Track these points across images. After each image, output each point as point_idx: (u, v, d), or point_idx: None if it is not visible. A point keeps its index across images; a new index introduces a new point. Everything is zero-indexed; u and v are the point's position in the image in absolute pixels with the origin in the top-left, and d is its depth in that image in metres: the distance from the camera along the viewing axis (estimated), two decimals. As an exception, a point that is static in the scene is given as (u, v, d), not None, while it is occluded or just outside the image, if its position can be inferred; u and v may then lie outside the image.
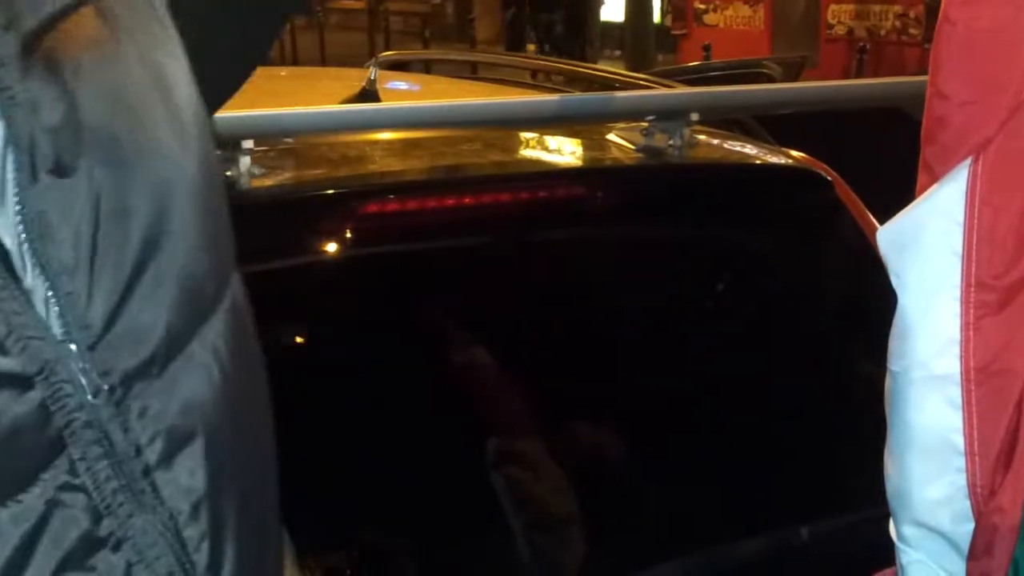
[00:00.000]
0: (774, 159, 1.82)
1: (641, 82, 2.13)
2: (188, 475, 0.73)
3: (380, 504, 1.54)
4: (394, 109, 1.59)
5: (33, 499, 0.67)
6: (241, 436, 0.79)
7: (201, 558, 0.74)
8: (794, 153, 1.87)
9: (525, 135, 1.84)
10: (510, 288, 1.73)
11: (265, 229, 1.58)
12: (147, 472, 0.72)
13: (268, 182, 1.55)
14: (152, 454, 0.72)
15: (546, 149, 1.81)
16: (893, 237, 1.16)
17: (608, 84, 2.19)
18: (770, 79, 3.71)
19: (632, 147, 1.75)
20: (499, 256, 1.68)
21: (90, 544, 0.70)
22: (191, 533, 0.73)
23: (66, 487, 0.69)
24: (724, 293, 1.77)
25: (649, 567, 1.55)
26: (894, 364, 1.17)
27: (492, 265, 1.68)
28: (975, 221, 1.11)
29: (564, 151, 1.81)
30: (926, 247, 1.14)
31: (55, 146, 0.69)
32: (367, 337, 1.62)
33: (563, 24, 18.56)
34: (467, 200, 1.62)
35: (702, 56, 12.57)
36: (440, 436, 1.63)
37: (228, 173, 1.50)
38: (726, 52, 12.30)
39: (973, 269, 1.12)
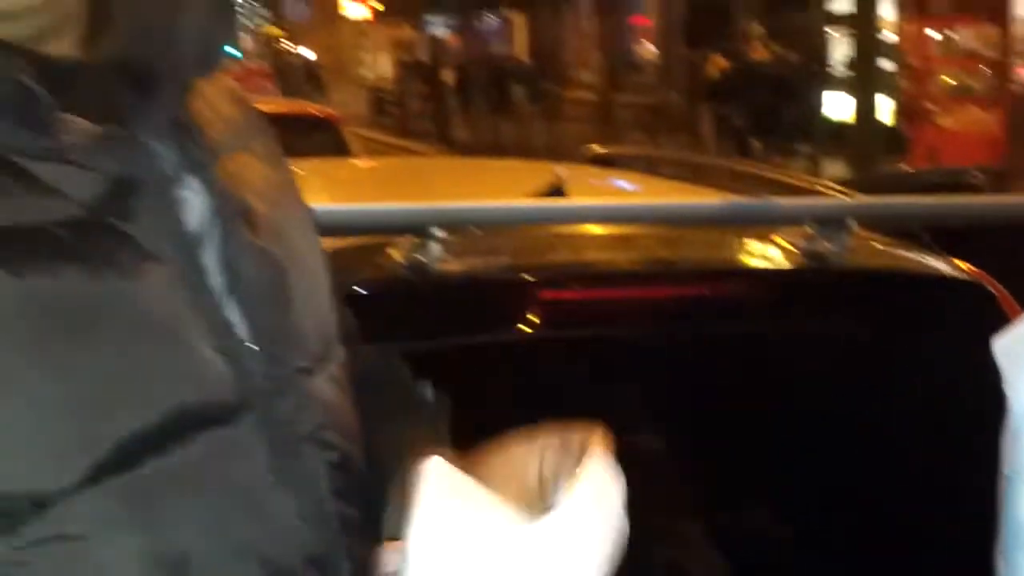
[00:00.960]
0: (937, 269, 1.90)
1: (820, 188, 2.24)
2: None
3: None
4: (567, 207, 1.76)
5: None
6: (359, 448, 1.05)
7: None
8: (961, 264, 1.94)
9: (697, 232, 1.98)
10: (674, 378, 1.86)
11: (451, 309, 1.77)
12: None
13: (455, 267, 1.73)
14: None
15: (714, 246, 1.95)
16: (1008, 345, 1.25)
17: (790, 188, 2.31)
18: (975, 189, 3.72)
19: (795, 250, 1.87)
20: (663, 347, 1.82)
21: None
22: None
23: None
24: (876, 396, 1.86)
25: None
26: (1006, 467, 1.25)
27: (655, 356, 1.81)
28: None
29: (731, 249, 1.95)
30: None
31: (247, 222, 0.96)
32: (535, 414, 1.77)
33: (782, 123, 18.62)
34: (635, 292, 1.77)
35: (930, 159, 12.40)
36: None
37: (419, 257, 1.69)
38: (958, 156, 12.10)
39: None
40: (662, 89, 24.55)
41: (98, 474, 0.84)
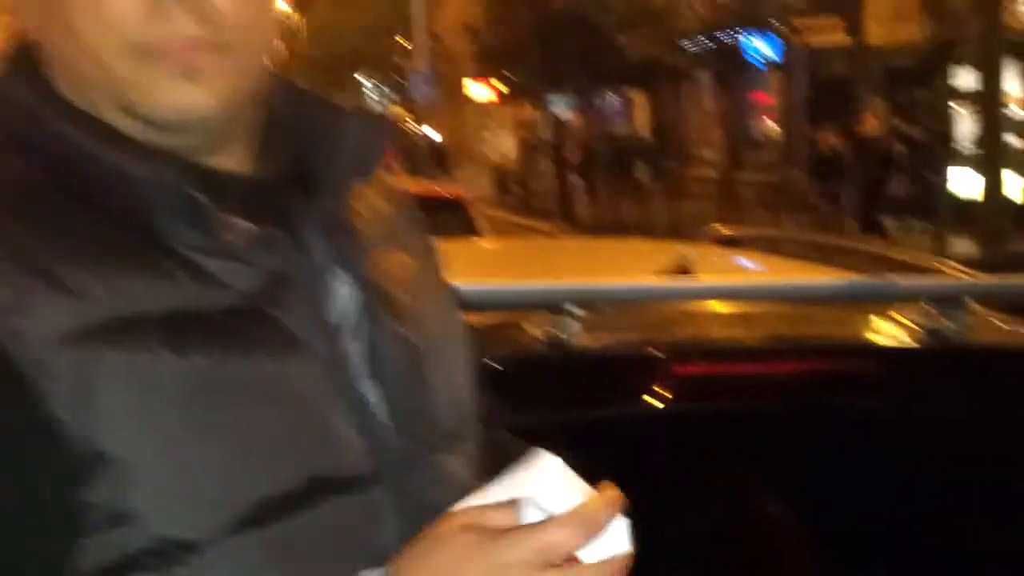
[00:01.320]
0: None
1: (938, 267, 2.32)
2: None
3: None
4: (694, 286, 1.88)
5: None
6: None
7: None
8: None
9: (818, 310, 2.07)
10: (797, 451, 1.95)
11: (590, 382, 1.89)
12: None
13: (589, 342, 1.85)
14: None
15: (835, 323, 2.04)
16: None
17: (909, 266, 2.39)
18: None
19: (915, 327, 1.95)
20: (786, 421, 1.91)
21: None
22: None
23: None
24: (996, 472, 1.92)
25: None
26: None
27: (778, 428, 1.91)
28: None
29: (852, 326, 2.03)
30: None
31: (391, 311, 1.08)
32: (663, 484, 1.88)
33: (901, 200, 18.49)
34: (759, 368, 1.87)
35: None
36: None
37: (556, 332, 1.81)
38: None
39: None
40: (784, 166, 24.49)
41: (239, 527, 0.96)
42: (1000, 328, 2.04)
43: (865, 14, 21.77)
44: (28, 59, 1.08)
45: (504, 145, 49.96)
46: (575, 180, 26.44)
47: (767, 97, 28.22)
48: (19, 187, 1.02)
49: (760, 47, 23.42)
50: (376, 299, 1.08)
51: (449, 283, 1.24)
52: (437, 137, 41.78)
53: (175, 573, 0.96)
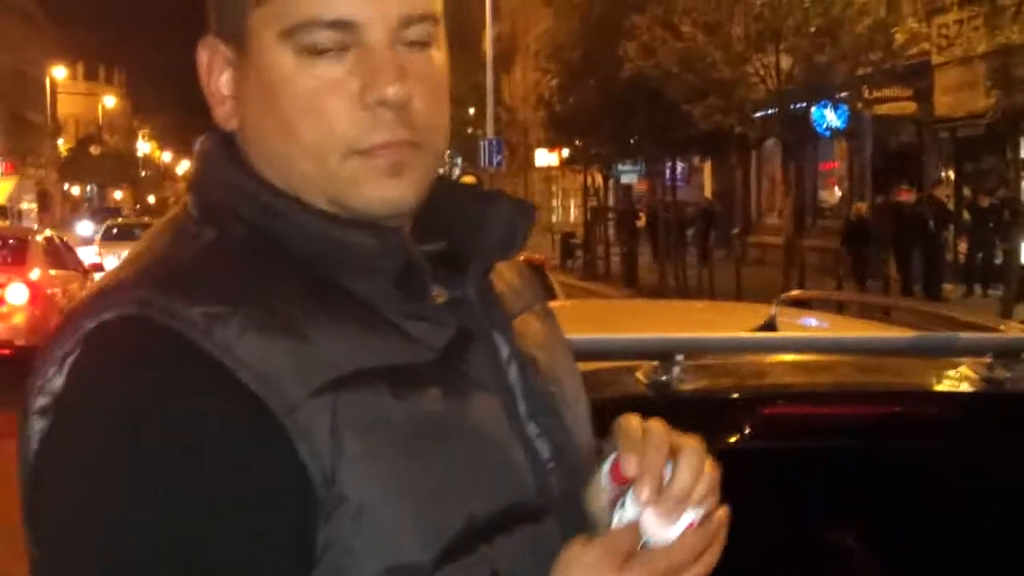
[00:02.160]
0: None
1: (994, 327, 2.59)
2: None
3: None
4: (783, 338, 2.17)
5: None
6: None
7: None
8: None
9: (891, 361, 2.36)
10: (869, 487, 2.23)
11: (690, 422, 2.18)
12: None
13: (692, 386, 2.15)
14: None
15: (904, 374, 2.32)
16: None
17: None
18: None
19: (978, 377, 2.22)
20: (859, 459, 2.19)
21: None
22: None
23: None
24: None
25: None
26: None
27: (853, 466, 2.19)
28: None
29: (920, 375, 2.31)
30: None
31: (536, 370, 1.24)
32: (753, 514, 2.16)
33: (979, 268, 18.62)
34: (834, 410, 2.17)
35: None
36: None
37: (663, 378, 2.11)
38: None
39: None
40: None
41: (448, 556, 1.08)
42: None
43: (933, 84, 21.98)
44: (229, 145, 1.21)
45: (570, 211, 50.36)
46: (639, 246, 26.69)
47: (834, 165, 28.39)
48: (258, 261, 1.14)
49: (828, 116, 23.63)
50: (524, 358, 1.23)
51: (567, 344, 1.37)
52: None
53: None
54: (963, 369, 2.27)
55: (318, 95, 1.14)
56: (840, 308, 8.55)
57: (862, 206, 22.68)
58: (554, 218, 51.70)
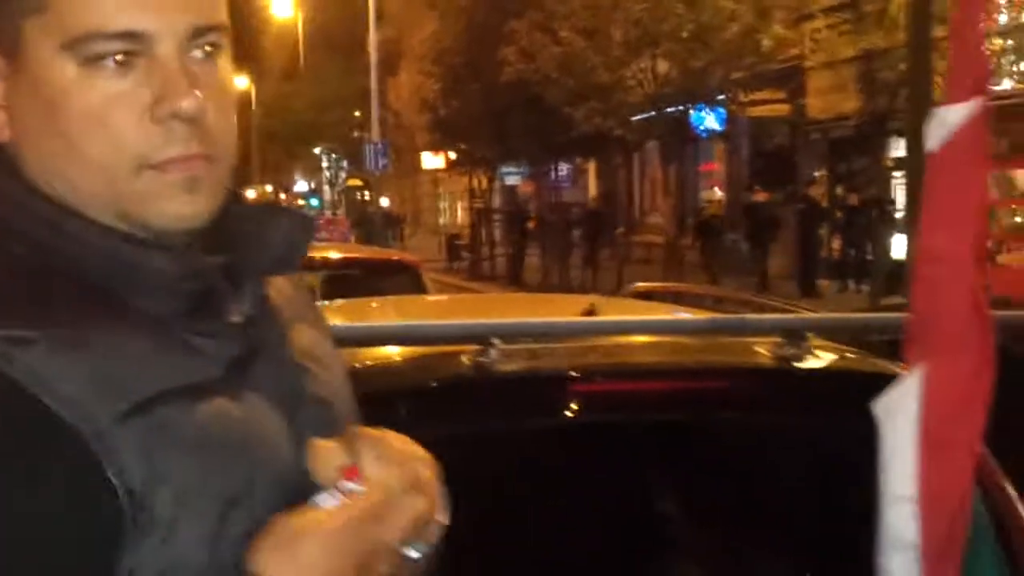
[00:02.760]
0: (878, 367, 2.47)
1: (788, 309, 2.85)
2: None
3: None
4: (592, 322, 2.39)
5: None
6: None
7: None
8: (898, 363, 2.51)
9: (702, 342, 2.60)
10: (669, 456, 2.47)
11: (507, 400, 2.39)
12: None
13: (508, 367, 2.35)
14: None
15: (706, 352, 2.56)
16: (883, 402, 1.83)
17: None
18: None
19: (768, 355, 2.46)
20: (660, 431, 2.42)
21: None
22: None
23: None
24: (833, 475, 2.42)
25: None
26: (881, 488, 1.83)
27: (654, 437, 2.43)
28: (926, 409, 1.78)
29: (718, 354, 2.55)
30: (897, 416, 1.81)
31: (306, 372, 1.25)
32: (565, 481, 2.38)
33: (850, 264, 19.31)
34: (639, 386, 2.40)
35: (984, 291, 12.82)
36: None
37: (480, 359, 2.31)
38: (1010, 289, 12.52)
39: (926, 432, 1.78)
40: (728, 232, 25.10)
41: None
42: (833, 355, 2.55)
43: (806, 87, 22.64)
44: (4, 159, 1.15)
45: (455, 213, 50.56)
46: (523, 247, 26.99)
47: (713, 166, 29.02)
48: (49, 281, 1.10)
49: (705, 118, 24.18)
50: (298, 369, 1.23)
51: (333, 341, 1.36)
52: (388, 204, 41.97)
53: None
54: (759, 348, 2.51)
55: (104, 109, 1.10)
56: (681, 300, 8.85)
57: (712, 204, 23.65)
58: (441, 220, 51.87)
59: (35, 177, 1.14)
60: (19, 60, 1.12)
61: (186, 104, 1.10)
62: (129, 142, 1.10)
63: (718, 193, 28.50)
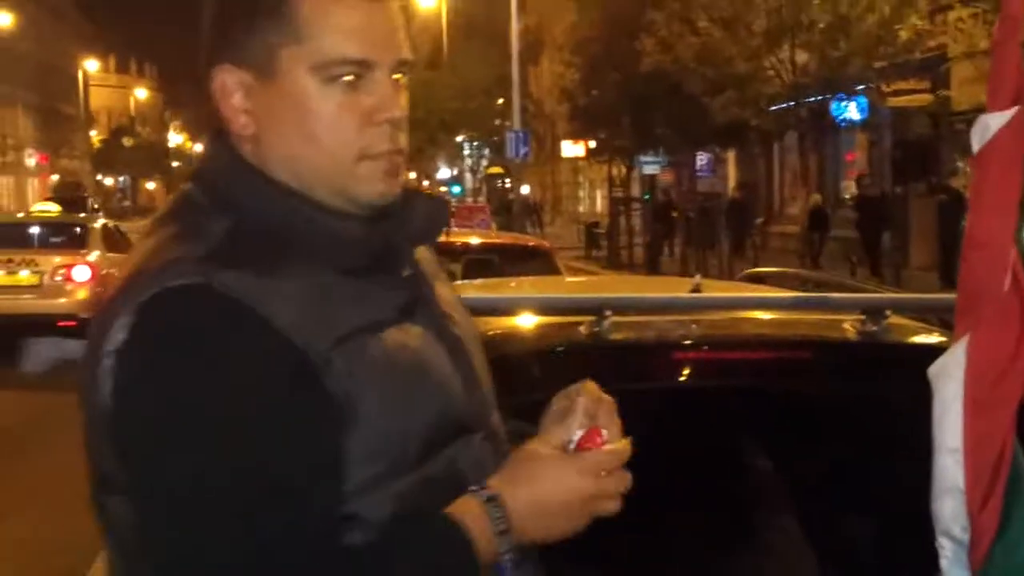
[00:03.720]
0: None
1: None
2: None
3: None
4: (694, 297, 2.73)
5: None
6: None
7: None
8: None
9: (793, 319, 2.90)
10: (766, 418, 2.78)
11: (617, 365, 2.74)
12: None
13: (619, 335, 2.70)
14: None
15: (797, 326, 2.86)
16: (936, 366, 2.12)
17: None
18: None
19: (853, 330, 2.75)
20: (758, 396, 2.73)
21: None
22: None
23: None
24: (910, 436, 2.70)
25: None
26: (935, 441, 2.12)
27: (753, 402, 2.74)
28: (969, 371, 2.07)
29: (809, 329, 2.86)
30: (947, 379, 2.10)
31: (448, 320, 1.63)
32: (667, 439, 2.71)
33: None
34: (737, 355, 2.72)
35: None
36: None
37: (596, 329, 2.66)
38: None
39: (969, 392, 2.07)
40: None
41: (412, 467, 1.45)
42: (913, 331, 2.83)
43: (950, 77, 22.34)
44: (232, 149, 1.53)
45: (595, 202, 50.65)
46: (665, 236, 27.05)
47: (853, 156, 28.72)
48: (274, 244, 1.46)
49: (846, 108, 23.97)
50: (445, 316, 1.62)
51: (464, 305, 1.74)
52: (529, 192, 42.11)
53: (380, 493, 1.43)
54: (845, 324, 2.80)
55: (339, 114, 1.49)
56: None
57: (818, 197, 23.61)
58: (580, 208, 52.12)
59: (268, 163, 1.52)
60: (271, 77, 1.50)
61: (398, 113, 1.52)
62: (354, 139, 1.50)
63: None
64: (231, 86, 1.51)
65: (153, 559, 1.39)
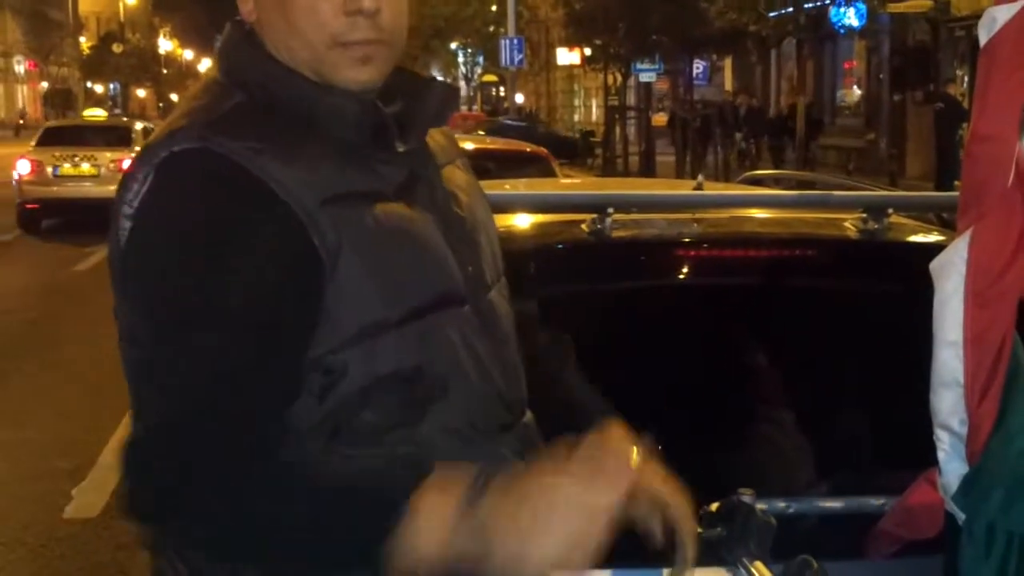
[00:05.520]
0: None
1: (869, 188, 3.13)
2: None
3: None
4: (693, 195, 2.73)
5: None
6: None
7: None
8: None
9: (793, 215, 2.91)
10: (764, 316, 2.80)
11: (619, 262, 2.75)
12: None
13: (621, 233, 2.71)
14: None
15: (799, 224, 2.87)
16: (937, 261, 2.13)
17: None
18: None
19: (854, 228, 2.77)
20: (759, 293, 2.75)
21: None
22: None
23: None
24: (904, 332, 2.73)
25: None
26: (933, 334, 2.14)
27: (753, 299, 2.76)
28: (971, 265, 2.08)
29: (810, 227, 2.87)
30: (949, 273, 2.11)
31: (456, 202, 1.74)
32: (667, 335, 2.73)
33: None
34: (738, 253, 2.73)
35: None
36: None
37: (598, 227, 2.67)
38: None
39: (971, 286, 2.09)
40: (866, 131, 24.79)
41: (404, 320, 1.56)
42: (914, 230, 2.84)
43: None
44: (249, 33, 1.68)
45: (589, 110, 50.38)
46: (657, 144, 27.00)
47: (852, 64, 28.55)
48: (277, 116, 1.59)
49: (845, 15, 23.77)
50: (449, 196, 1.72)
51: (482, 192, 1.84)
52: (523, 100, 41.86)
53: (365, 346, 1.54)
54: (846, 223, 2.81)
55: (314, 3, 1.60)
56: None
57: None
58: (576, 117, 51.87)
59: (271, 48, 1.66)
60: None
61: (367, 4, 1.60)
62: (327, 26, 1.61)
63: (856, 91, 28.10)
64: None
65: (130, 375, 1.55)
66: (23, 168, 17.80)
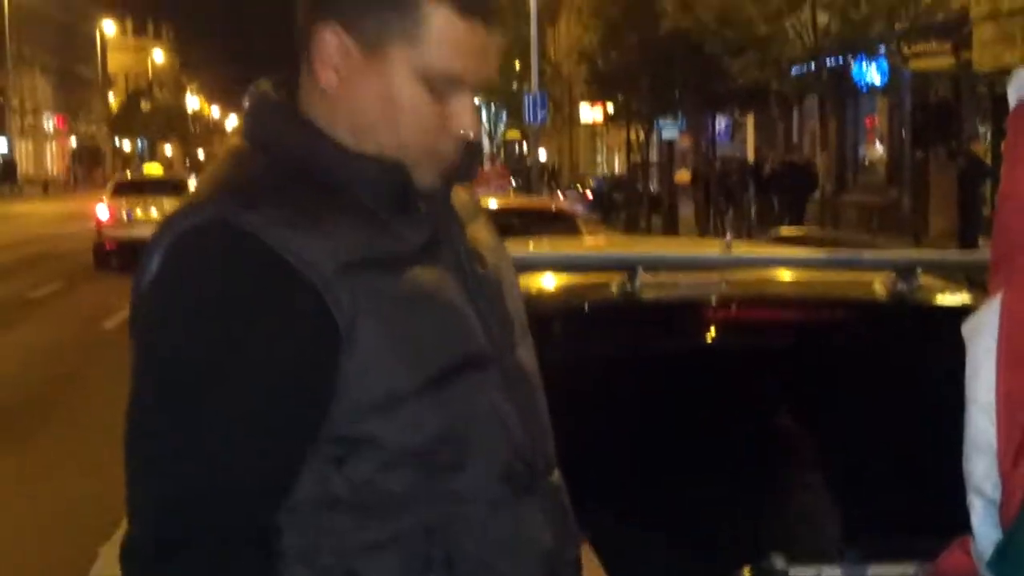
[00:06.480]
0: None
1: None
2: None
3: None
4: (721, 256, 2.73)
5: None
6: None
7: None
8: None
9: (825, 278, 2.90)
10: (800, 376, 2.79)
11: (650, 321, 2.75)
12: None
13: (651, 294, 2.71)
14: None
15: (828, 287, 2.86)
16: (969, 324, 2.12)
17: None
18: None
19: (884, 289, 2.76)
20: (790, 355, 2.74)
21: None
22: None
23: None
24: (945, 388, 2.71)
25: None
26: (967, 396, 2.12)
27: (788, 360, 2.75)
28: (1004, 327, 2.07)
29: (839, 288, 2.86)
30: (981, 335, 2.10)
31: (480, 261, 1.73)
32: (698, 397, 2.73)
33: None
34: (772, 314, 2.73)
35: None
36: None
37: (627, 287, 2.67)
38: None
39: (1003, 347, 2.08)
40: (889, 188, 24.75)
41: (425, 388, 1.55)
42: (943, 290, 2.83)
43: (970, 39, 22.16)
44: (280, 91, 1.68)
45: (613, 167, 50.50)
46: (681, 200, 27.00)
47: (873, 121, 28.54)
48: (298, 180, 1.59)
49: (867, 72, 23.81)
50: (473, 253, 1.71)
51: (506, 250, 1.83)
52: (546, 157, 41.94)
53: (388, 414, 1.55)
54: (876, 284, 2.81)
55: (425, 115, 1.61)
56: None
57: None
58: (599, 173, 51.97)
59: (322, 118, 1.64)
60: (376, 60, 1.61)
61: (472, 135, 1.67)
62: (429, 140, 1.63)
63: (879, 148, 28.08)
64: (333, 45, 1.61)
65: (127, 439, 1.55)
66: (102, 214, 21.58)
